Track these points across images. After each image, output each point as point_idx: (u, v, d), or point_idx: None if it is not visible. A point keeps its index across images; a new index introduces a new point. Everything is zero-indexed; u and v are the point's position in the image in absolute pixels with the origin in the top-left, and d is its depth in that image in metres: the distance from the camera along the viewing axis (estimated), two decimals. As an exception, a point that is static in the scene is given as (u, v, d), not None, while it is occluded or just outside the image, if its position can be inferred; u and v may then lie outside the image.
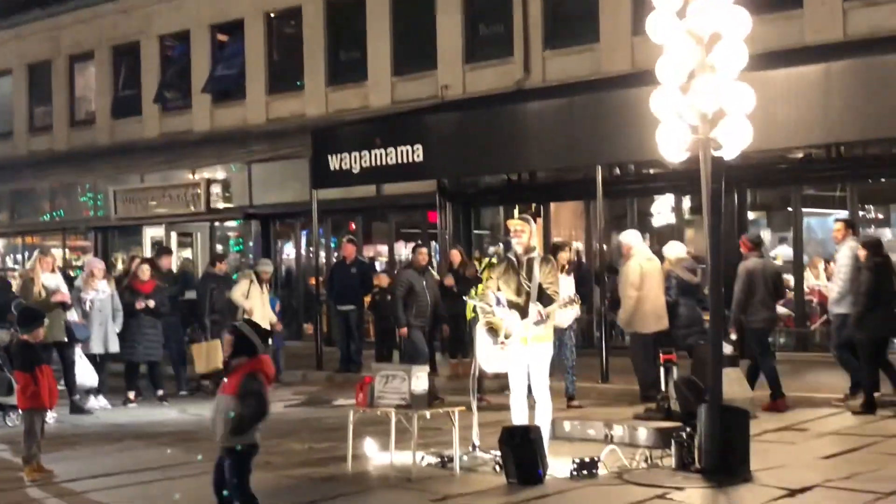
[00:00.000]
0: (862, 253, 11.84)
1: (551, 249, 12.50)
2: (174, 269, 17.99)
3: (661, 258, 12.76)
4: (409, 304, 13.61)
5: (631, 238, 12.71)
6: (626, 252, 12.57)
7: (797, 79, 13.00)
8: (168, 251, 16.85)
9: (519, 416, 9.24)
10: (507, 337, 9.00)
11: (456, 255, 15.11)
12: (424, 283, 13.68)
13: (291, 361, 18.33)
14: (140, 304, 14.14)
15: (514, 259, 9.17)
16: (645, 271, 12.28)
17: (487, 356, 9.10)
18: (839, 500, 7.47)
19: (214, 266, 15.94)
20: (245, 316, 14.79)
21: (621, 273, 12.56)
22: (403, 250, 21.58)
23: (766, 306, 12.10)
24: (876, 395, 11.56)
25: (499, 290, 9.20)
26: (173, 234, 24.65)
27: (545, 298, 8.91)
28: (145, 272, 14.38)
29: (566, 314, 11.98)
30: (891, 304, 11.75)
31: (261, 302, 14.95)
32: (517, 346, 8.96)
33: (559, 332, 12.09)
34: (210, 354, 14.68)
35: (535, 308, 8.80)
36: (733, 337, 12.03)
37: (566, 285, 12.10)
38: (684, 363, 11.85)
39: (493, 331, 9.07)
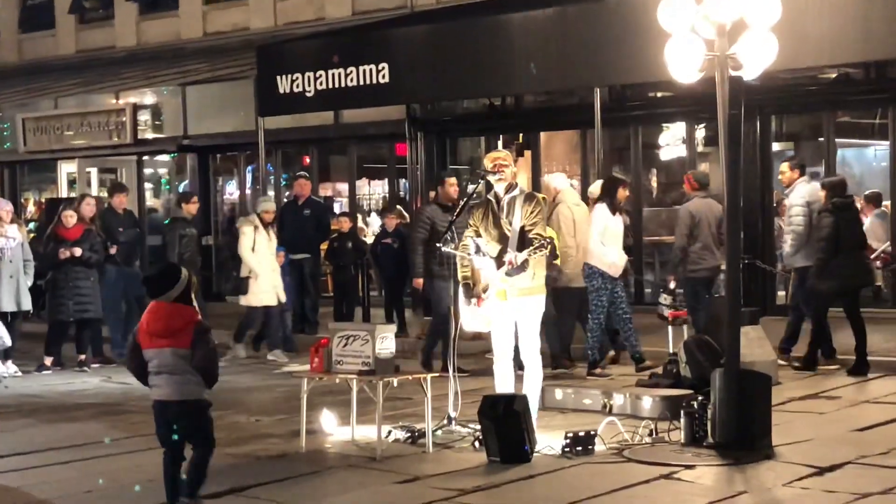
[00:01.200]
0: (822, 194, 12.13)
1: (608, 184, 12.35)
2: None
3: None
4: (431, 249, 12.99)
5: (559, 181, 13.03)
6: (555, 197, 12.68)
7: (832, -16, 12.93)
8: (122, 188, 16.42)
9: (504, 384, 9.25)
10: (484, 291, 8.99)
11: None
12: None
13: (235, 320, 18.31)
14: (64, 253, 14.01)
15: (493, 200, 9.13)
16: (575, 218, 12.50)
17: (466, 313, 9.10)
18: (875, 479, 7.54)
19: (181, 207, 15.23)
20: (248, 274, 14.29)
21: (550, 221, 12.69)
22: (367, 188, 21.51)
23: (711, 253, 12.50)
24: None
25: (479, 236, 9.17)
26: (93, 171, 24.44)
27: (528, 244, 8.88)
28: (70, 218, 14.21)
29: (612, 257, 11.96)
30: (855, 251, 11.93)
31: (269, 252, 14.59)
32: (494, 302, 8.96)
33: (611, 281, 12.17)
34: None
35: (509, 255, 8.79)
36: (672, 286, 12.38)
37: (617, 228, 12.13)
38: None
39: (468, 286, 9.06)
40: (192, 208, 15.22)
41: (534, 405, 9.14)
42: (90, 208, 14.53)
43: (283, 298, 14.83)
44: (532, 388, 9.17)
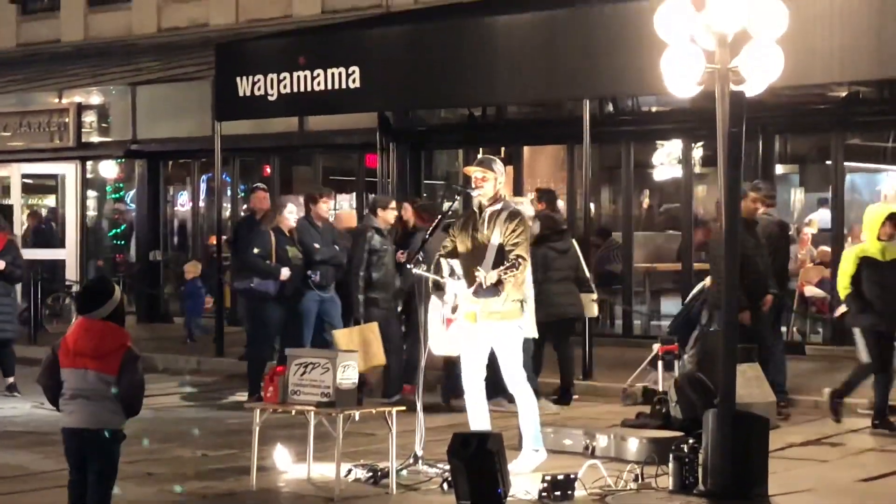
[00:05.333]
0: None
1: None
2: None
3: None
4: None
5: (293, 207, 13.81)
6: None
7: (844, -6, 13.02)
8: (326, 192, 14.24)
9: (476, 418, 9.26)
10: (454, 311, 9.03)
11: (409, 212, 15.02)
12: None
13: (184, 345, 18.24)
14: (-16, 266, 13.95)
15: (476, 211, 9.22)
16: None
17: (434, 334, 9.14)
18: (879, 534, 7.55)
19: (376, 214, 13.37)
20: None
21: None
22: (333, 202, 21.42)
23: None
24: None
25: (454, 256, 9.23)
26: (30, 174, 24.30)
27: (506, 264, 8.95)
28: None
29: None
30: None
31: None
32: (463, 324, 9.00)
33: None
34: (367, 344, 11.71)
35: (480, 274, 8.84)
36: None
37: None
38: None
39: (438, 284, 9.13)
40: (388, 216, 13.31)
41: (528, 442, 9.17)
42: (265, 202, 14.01)
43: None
44: (527, 422, 9.23)
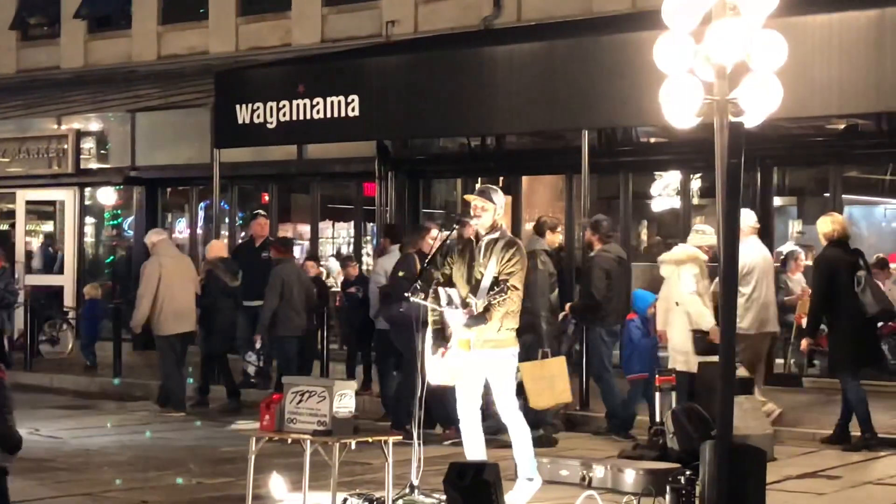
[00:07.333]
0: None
1: None
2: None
3: None
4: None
5: (156, 236, 15.50)
6: (151, 249, 15.27)
7: (843, 27, 13.07)
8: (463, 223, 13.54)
9: (473, 449, 9.24)
10: (449, 341, 9.04)
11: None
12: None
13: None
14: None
15: (474, 240, 9.23)
16: (165, 270, 14.75)
17: (431, 365, 9.14)
18: (876, 567, 7.54)
19: (544, 235, 12.76)
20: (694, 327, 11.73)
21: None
22: (331, 230, 21.49)
23: (297, 314, 14.65)
24: None
25: (449, 284, 9.23)
26: (31, 199, 24.31)
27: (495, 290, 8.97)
28: None
29: None
30: None
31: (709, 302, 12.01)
32: (457, 352, 9.00)
33: None
34: (555, 378, 11.51)
35: (471, 301, 8.85)
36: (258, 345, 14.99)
37: None
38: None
39: (439, 331, 9.12)
40: (554, 238, 13.01)
41: (523, 471, 9.14)
42: (266, 228, 14.60)
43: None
44: (522, 452, 9.19)
